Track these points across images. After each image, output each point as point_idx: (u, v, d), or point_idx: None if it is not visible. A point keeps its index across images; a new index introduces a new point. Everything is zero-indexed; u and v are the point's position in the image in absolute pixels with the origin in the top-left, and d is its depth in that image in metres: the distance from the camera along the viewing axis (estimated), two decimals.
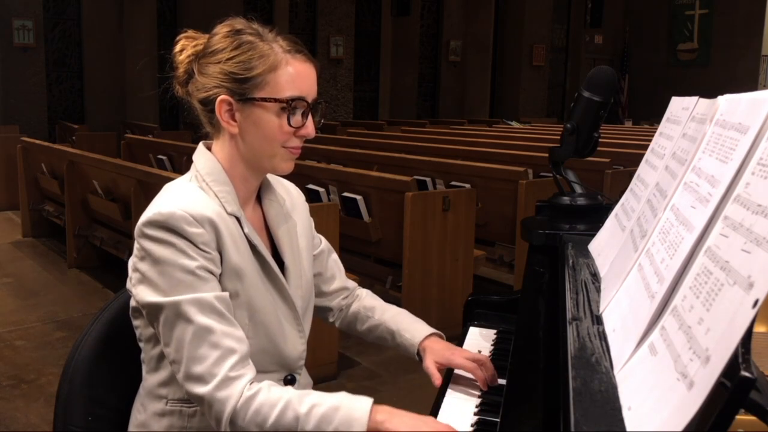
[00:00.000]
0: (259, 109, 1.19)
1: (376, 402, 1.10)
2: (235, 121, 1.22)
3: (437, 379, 1.31)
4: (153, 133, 8.19)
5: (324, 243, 1.49)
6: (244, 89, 1.19)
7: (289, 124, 1.20)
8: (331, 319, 1.52)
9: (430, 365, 1.33)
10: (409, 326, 1.41)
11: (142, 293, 1.16)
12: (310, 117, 1.23)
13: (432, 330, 1.40)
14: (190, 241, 1.14)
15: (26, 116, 9.73)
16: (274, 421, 1.07)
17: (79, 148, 6.05)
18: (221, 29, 1.24)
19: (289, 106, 1.19)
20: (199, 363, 1.10)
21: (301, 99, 1.21)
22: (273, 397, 1.09)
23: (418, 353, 1.38)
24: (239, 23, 1.24)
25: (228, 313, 1.15)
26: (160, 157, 6.26)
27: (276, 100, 1.19)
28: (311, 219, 1.45)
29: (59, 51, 10.30)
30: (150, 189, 4.08)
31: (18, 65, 9.63)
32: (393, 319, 1.44)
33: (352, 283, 1.53)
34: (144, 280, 1.16)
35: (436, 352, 1.35)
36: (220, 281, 1.18)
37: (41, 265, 5.44)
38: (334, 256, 1.52)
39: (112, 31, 10.44)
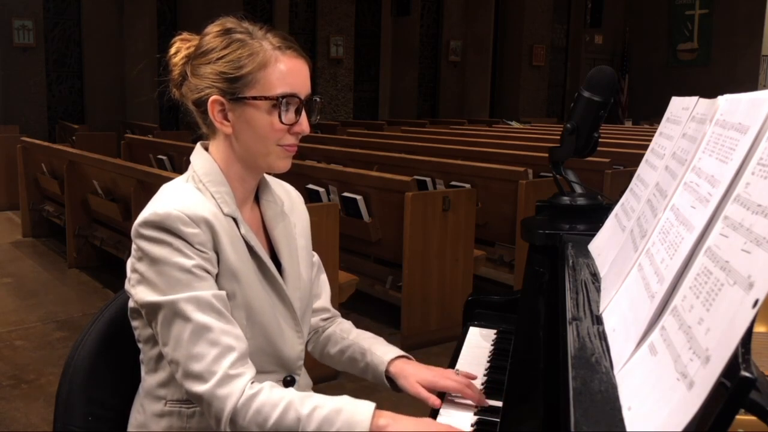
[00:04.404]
0: (251, 107, 1.19)
1: (378, 403, 1.09)
2: (228, 120, 1.21)
3: (435, 400, 1.25)
4: (153, 133, 8.20)
5: (316, 258, 1.46)
6: (234, 88, 1.19)
7: (281, 121, 1.19)
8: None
9: (419, 389, 1.27)
10: (382, 347, 1.37)
11: (140, 293, 1.16)
12: (303, 113, 1.21)
13: (403, 352, 1.36)
14: (186, 241, 1.14)
15: (26, 116, 9.72)
16: (275, 421, 1.07)
17: (79, 148, 6.04)
18: (212, 29, 1.23)
19: (280, 103, 1.18)
20: (197, 361, 1.09)
21: (292, 95, 1.19)
22: (275, 397, 1.09)
23: (388, 375, 1.32)
24: (230, 22, 1.23)
25: (226, 312, 1.14)
26: (160, 157, 6.27)
27: (266, 98, 1.18)
28: (309, 228, 1.43)
29: (59, 51, 10.30)
30: (150, 189, 4.08)
31: (18, 65, 9.63)
32: (366, 340, 1.39)
33: (335, 311, 1.49)
34: (142, 280, 1.16)
35: (416, 375, 1.29)
36: (217, 282, 1.17)
37: (41, 265, 5.44)
38: (324, 276, 1.49)
39: (112, 32, 10.44)
